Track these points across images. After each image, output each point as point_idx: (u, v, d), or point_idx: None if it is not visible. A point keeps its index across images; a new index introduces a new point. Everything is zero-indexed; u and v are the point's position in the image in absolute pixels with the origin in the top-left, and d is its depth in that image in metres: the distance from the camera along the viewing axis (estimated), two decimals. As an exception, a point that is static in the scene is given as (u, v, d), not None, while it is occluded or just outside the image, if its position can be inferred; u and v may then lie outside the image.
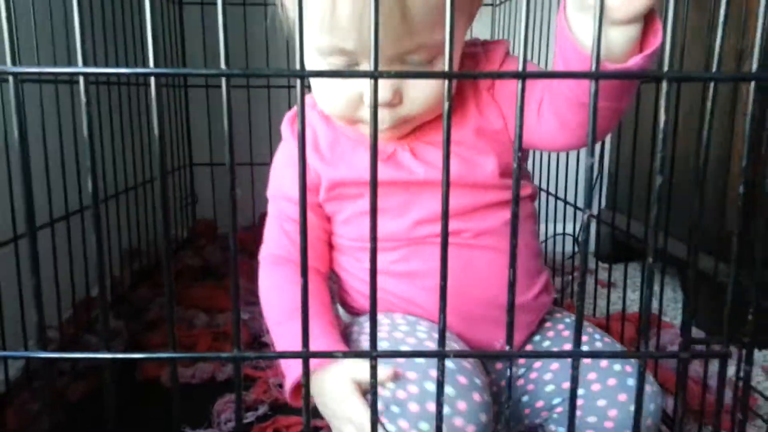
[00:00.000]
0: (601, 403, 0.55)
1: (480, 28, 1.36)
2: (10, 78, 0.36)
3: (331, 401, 0.50)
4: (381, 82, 0.48)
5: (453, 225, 0.57)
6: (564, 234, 1.42)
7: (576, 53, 0.42)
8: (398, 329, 0.57)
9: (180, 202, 1.41)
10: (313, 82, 0.56)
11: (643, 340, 0.39)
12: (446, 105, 0.35)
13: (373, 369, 0.36)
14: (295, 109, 0.64)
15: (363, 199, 0.58)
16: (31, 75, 0.38)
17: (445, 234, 0.37)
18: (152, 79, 0.35)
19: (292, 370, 0.54)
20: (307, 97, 0.63)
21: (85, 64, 0.35)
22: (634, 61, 0.39)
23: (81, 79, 0.35)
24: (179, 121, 1.36)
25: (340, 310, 0.69)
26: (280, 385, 0.84)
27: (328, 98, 0.54)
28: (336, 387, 0.50)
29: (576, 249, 1.42)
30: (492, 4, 1.43)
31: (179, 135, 1.37)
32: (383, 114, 0.52)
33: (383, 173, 0.57)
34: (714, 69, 0.38)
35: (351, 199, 0.59)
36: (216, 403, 0.80)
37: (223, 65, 0.36)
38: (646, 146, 0.81)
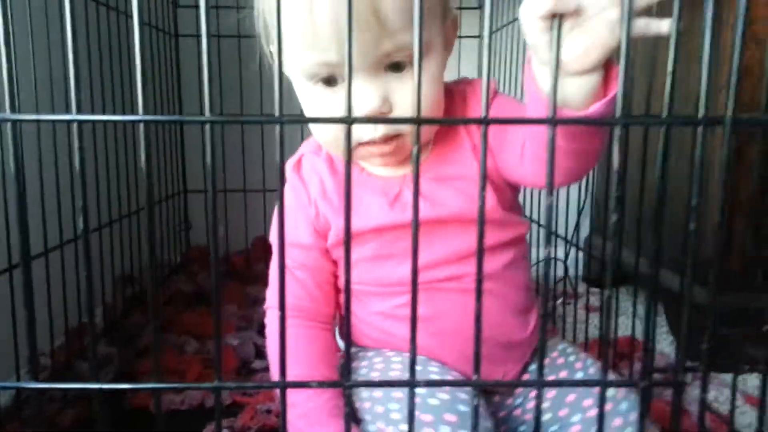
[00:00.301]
0: None
1: (466, 65, 1.39)
2: (9, 124, 0.39)
3: None
4: (367, 90, 0.51)
5: (454, 269, 0.59)
6: (555, 259, 1.44)
7: (542, 102, 0.44)
8: (392, 367, 0.59)
9: (174, 228, 1.43)
10: (305, 106, 0.58)
11: (603, 369, 0.42)
12: (415, 149, 0.38)
13: (348, 398, 0.38)
14: (298, 155, 0.67)
15: (369, 245, 0.60)
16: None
17: (414, 271, 0.39)
18: (141, 126, 0.38)
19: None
20: (311, 142, 0.65)
21: (79, 111, 0.38)
22: (594, 108, 0.42)
23: (75, 126, 0.38)
24: (174, 148, 1.39)
25: (339, 341, 0.71)
26: (268, 411, 0.86)
27: (324, 130, 0.57)
28: None
29: (564, 273, 1.45)
30: (479, 36, 1.47)
31: (174, 162, 1.39)
32: (371, 125, 0.53)
33: (389, 217, 0.58)
34: (665, 114, 0.41)
35: (358, 245, 0.60)
36: (204, 430, 0.81)
37: (207, 112, 0.39)
38: (635, 172, 0.84)
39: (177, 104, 1.37)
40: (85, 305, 0.37)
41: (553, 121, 0.39)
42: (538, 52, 0.42)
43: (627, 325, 1.19)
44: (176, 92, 1.38)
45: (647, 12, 0.41)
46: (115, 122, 1.04)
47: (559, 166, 0.49)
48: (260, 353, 1.06)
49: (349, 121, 0.38)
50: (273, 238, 0.65)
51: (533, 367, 0.65)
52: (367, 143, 0.55)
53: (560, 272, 1.49)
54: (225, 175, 1.34)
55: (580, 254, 1.49)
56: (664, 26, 0.39)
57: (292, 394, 0.57)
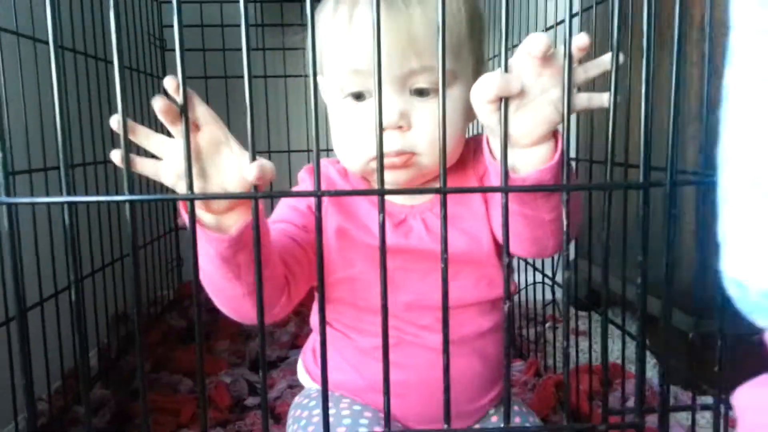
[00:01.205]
0: None
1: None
2: (4, 207, 0.42)
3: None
4: (386, 105, 0.51)
5: (438, 317, 0.57)
6: (543, 282, 1.47)
7: (498, 172, 0.47)
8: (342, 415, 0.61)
9: (167, 264, 1.46)
10: (333, 137, 0.60)
11: (564, 413, 0.45)
12: (443, 213, 0.40)
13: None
14: (325, 163, 0.67)
15: (360, 264, 0.59)
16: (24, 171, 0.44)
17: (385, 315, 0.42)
18: (127, 205, 0.41)
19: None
20: (329, 161, 0.67)
21: (69, 193, 0.41)
22: (535, 176, 0.45)
23: (65, 207, 0.41)
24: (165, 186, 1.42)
25: (300, 374, 0.72)
26: (261, 449, 0.88)
27: (344, 143, 0.58)
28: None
29: (553, 296, 1.47)
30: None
31: (165, 201, 1.42)
32: (393, 136, 0.54)
33: (391, 239, 0.58)
34: (607, 179, 0.45)
35: (351, 261, 0.60)
36: (198, 470, 0.83)
37: (186, 189, 0.42)
38: (618, 200, 0.87)
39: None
40: (79, 351, 0.39)
41: (505, 189, 0.42)
42: (490, 129, 0.45)
43: (612, 349, 1.21)
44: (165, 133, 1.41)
45: (589, 86, 0.45)
46: (106, 164, 1.07)
47: (516, 232, 0.51)
48: (253, 390, 1.08)
49: (318, 194, 0.41)
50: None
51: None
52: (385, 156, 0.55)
53: (549, 295, 1.52)
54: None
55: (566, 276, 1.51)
56: (604, 99, 0.43)
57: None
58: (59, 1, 0.41)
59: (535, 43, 0.41)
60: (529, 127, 0.43)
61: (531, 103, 0.43)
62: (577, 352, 1.09)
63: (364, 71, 0.54)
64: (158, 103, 0.41)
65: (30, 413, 0.46)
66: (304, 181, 0.65)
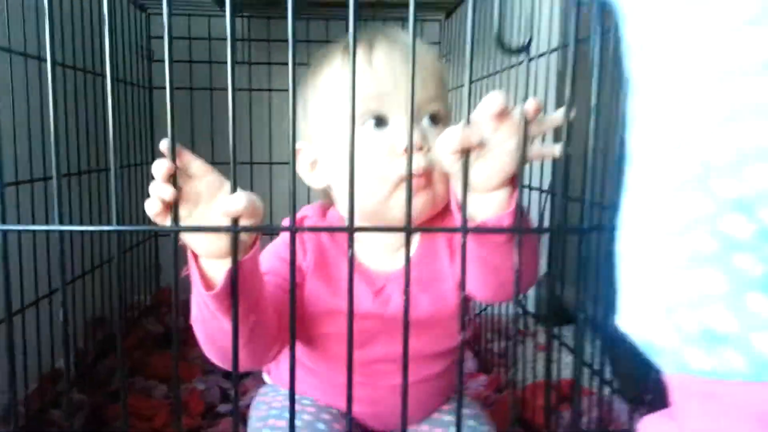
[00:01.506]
0: None
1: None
2: None
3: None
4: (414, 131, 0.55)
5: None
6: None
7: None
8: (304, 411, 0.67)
9: (145, 271, 1.48)
10: (340, 163, 0.62)
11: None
12: (406, 254, 0.45)
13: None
14: (300, 215, 0.70)
15: (336, 326, 0.63)
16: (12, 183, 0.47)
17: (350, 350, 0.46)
18: (115, 236, 0.45)
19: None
20: (314, 206, 0.71)
21: (62, 222, 0.45)
22: (494, 221, 0.49)
23: (58, 234, 0.45)
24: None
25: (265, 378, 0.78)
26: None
27: (370, 169, 0.60)
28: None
29: (520, 311, 1.52)
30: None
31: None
32: (417, 157, 0.59)
33: (372, 307, 0.64)
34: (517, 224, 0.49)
35: (335, 323, 0.64)
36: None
37: (170, 221, 0.46)
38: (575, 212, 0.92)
39: (150, 153, 1.43)
40: (59, 348, 0.42)
41: (464, 230, 0.47)
42: (454, 177, 0.50)
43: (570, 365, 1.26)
44: (150, 141, 1.44)
45: (542, 138, 0.50)
46: (90, 173, 1.10)
47: (481, 279, 0.55)
48: (226, 397, 1.11)
49: (233, 229, 0.45)
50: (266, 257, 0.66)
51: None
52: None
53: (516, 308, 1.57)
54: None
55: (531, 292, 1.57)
56: (556, 150, 0.47)
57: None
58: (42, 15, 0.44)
59: (492, 102, 0.46)
60: (487, 174, 0.48)
61: (490, 153, 0.48)
62: (548, 366, 1.14)
63: (388, 95, 0.60)
64: (160, 170, 0.45)
65: (15, 415, 0.49)
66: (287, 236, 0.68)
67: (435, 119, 0.62)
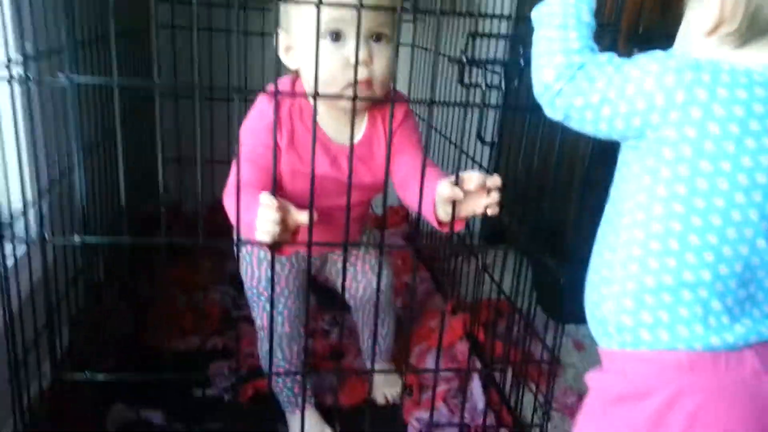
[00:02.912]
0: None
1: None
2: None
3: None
4: (362, 47, 0.79)
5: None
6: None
7: (430, 212, 0.81)
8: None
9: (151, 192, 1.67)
10: (310, 64, 0.77)
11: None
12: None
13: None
14: (277, 84, 0.78)
15: (304, 183, 0.80)
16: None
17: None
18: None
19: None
20: (285, 82, 0.91)
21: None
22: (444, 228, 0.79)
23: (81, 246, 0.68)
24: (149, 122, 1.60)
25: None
26: (251, 355, 1.21)
27: (324, 70, 0.76)
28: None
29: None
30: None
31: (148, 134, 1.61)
32: (362, 69, 0.79)
33: (329, 172, 0.89)
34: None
35: (302, 179, 0.88)
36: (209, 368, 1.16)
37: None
38: (514, 158, 1.18)
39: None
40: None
41: (416, 246, 0.74)
42: (441, 207, 0.79)
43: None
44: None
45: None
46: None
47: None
48: (236, 304, 1.39)
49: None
50: (242, 139, 0.86)
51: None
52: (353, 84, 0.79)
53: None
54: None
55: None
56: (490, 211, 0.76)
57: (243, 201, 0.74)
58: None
59: (472, 180, 0.75)
60: (460, 210, 0.77)
61: (466, 201, 0.77)
62: (489, 285, 1.45)
63: (345, 19, 0.79)
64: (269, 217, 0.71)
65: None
66: (262, 103, 0.89)
67: (379, 38, 0.83)
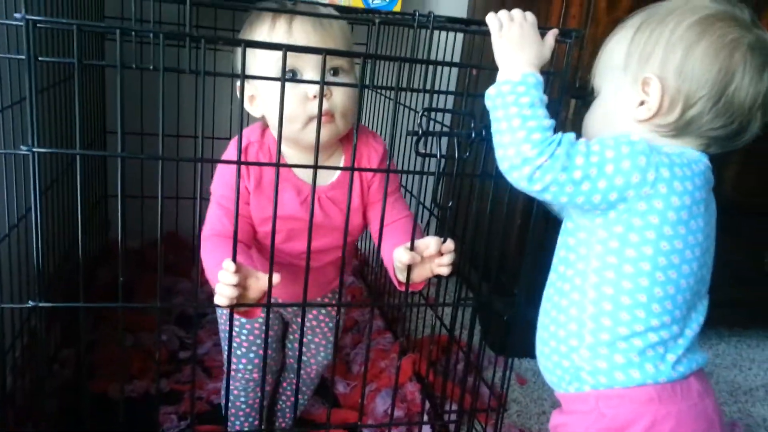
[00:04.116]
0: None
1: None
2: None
3: None
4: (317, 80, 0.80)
5: (317, 254, 0.90)
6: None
7: (390, 266, 0.84)
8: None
9: (96, 227, 1.64)
10: (271, 100, 0.82)
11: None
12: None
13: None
14: (245, 142, 0.88)
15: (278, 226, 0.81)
16: None
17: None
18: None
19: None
20: (255, 130, 0.92)
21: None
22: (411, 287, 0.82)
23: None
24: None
25: None
26: (200, 398, 1.20)
27: (285, 107, 0.74)
28: None
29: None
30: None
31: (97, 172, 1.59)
32: (323, 101, 0.76)
33: (299, 213, 0.90)
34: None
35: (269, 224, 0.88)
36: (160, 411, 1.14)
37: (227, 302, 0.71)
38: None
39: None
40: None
41: (374, 304, 0.77)
42: (401, 273, 0.82)
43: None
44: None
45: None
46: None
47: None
48: (183, 345, 1.38)
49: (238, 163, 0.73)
50: (213, 188, 0.89)
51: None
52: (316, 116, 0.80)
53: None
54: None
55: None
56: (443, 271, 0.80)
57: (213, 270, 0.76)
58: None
59: (429, 247, 0.79)
60: (415, 273, 0.81)
61: (421, 265, 0.80)
62: (432, 318, 1.49)
63: (298, 56, 0.82)
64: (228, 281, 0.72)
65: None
66: (231, 149, 0.90)
67: (336, 71, 0.85)
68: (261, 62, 0.85)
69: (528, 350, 0.88)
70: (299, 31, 0.82)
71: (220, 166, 0.91)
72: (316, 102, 0.76)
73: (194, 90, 1.52)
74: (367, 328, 1.01)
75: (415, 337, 1.46)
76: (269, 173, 0.89)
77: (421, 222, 0.84)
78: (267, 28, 0.84)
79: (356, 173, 0.93)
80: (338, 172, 0.92)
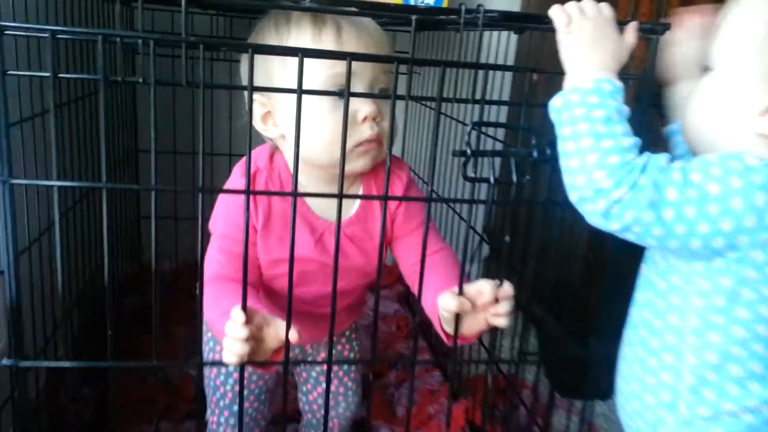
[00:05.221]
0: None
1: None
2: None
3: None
4: (368, 101, 0.69)
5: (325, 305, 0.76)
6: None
7: (435, 316, 0.70)
8: None
9: (127, 246, 1.57)
10: (306, 127, 0.66)
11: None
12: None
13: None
14: (253, 168, 0.76)
15: (284, 269, 0.70)
16: None
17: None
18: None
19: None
20: (263, 155, 0.79)
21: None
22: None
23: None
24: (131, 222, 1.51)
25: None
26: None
27: (324, 132, 0.70)
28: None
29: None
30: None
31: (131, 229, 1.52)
32: (372, 124, 0.71)
33: (313, 253, 0.77)
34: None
35: (280, 266, 0.77)
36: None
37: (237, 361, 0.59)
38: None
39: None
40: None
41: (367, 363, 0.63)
42: (445, 322, 0.68)
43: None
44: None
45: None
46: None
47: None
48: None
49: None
50: (212, 226, 0.78)
51: None
52: (365, 142, 0.72)
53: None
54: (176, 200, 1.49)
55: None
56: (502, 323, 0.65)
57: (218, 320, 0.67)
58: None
59: (483, 293, 0.64)
60: (467, 325, 0.66)
61: (473, 314, 0.66)
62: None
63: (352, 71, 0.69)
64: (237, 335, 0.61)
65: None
66: (235, 178, 0.78)
67: (384, 92, 0.73)
68: (289, 73, 0.72)
69: (598, 391, 0.72)
70: (352, 42, 0.71)
71: (222, 199, 0.78)
72: (367, 126, 0.70)
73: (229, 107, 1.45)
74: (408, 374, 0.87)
75: (468, 373, 1.31)
76: (279, 206, 0.76)
77: (470, 251, 0.68)
78: (309, 37, 0.71)
79: (376, 204, 0.80)
80: (355, 206, 0.79)
